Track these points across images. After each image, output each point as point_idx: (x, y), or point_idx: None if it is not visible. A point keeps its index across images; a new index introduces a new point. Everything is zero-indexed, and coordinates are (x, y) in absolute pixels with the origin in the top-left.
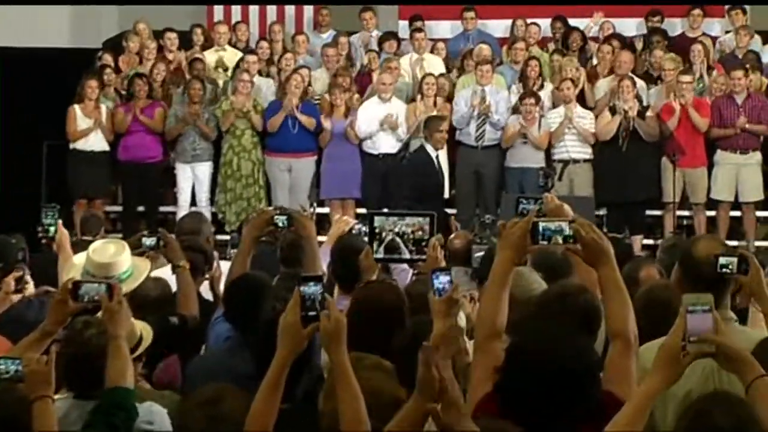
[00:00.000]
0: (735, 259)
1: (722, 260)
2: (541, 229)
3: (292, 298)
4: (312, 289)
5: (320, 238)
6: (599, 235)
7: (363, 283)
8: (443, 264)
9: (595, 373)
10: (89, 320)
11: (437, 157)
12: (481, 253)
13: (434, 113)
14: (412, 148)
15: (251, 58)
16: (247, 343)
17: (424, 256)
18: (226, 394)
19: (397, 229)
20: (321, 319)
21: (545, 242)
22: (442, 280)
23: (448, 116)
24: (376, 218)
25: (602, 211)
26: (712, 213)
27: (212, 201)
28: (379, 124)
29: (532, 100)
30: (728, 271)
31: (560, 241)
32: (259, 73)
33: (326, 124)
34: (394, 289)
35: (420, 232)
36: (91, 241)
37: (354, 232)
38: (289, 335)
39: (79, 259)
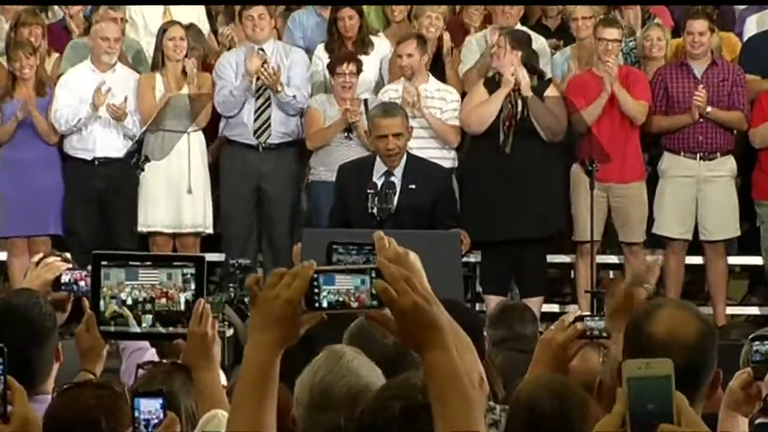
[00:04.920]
0: None
1: None
2: (321, 287)
3: None
4: None
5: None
6: (425, 295)
7: (69, 382)
8: (214, 345)
9: None
10: None
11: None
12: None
13: (184, 91)
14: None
15: None
16: None
17: (182, 330)
18: None
19: (123, 295)
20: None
21: (334, 309)
22: (149, 407)
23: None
24: (104, 269)
25: (474, 257)
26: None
27: None
28: (93, 107)
29: (351, 67)
30: None
31: (359, 304)
32: None
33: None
34: (109, 399)
35: (165, 299)
36: None
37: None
38: None
39: None
